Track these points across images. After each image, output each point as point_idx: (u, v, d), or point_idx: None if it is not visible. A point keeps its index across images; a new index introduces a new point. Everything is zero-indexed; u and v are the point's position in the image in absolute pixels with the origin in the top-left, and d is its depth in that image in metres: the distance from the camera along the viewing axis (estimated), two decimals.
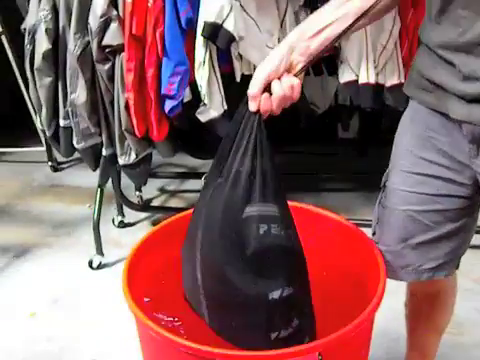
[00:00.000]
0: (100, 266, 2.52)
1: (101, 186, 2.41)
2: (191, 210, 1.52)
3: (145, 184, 2.54)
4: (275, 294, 1.18)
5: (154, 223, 2.83)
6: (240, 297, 1.19)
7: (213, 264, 1.21)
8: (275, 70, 1.15)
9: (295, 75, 1.17)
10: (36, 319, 2.24)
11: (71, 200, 3.07)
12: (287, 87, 1.15)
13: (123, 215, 2.80)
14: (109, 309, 2.25)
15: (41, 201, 3.08)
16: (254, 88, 1.15)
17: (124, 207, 2.80)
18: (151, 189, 3.05)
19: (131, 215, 2.84)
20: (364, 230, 1.47)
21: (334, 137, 3.26)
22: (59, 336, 2.15)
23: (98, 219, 2.49)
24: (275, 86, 1.15)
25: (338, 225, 1.52)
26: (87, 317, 2.24)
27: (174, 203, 3.02)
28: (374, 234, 1.43)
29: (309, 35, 1.17)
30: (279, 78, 1.16)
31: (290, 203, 1.55)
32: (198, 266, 1.24)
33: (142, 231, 2.76)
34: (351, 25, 1.16)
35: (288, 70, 1.17)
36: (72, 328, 2.19)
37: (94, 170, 2.36)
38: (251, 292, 1.18)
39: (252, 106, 1.16)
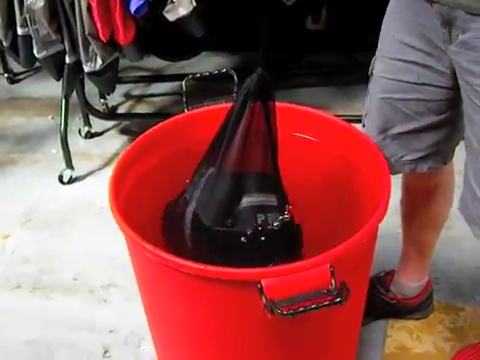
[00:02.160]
0: (71, 180, 2.40)
1: (66, 96, 2.26)
2: (168, 119, 1.44)
3: (113, 91, 2.40)
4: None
5: (122, 131, 2.71)
6: None
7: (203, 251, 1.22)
8: None
9: None
10: (10, 241, 2.15)
11: (32, 112, 2.90)
12: None
13: (90, 125, 2.66)
14: (85, 224, 2.17)
15: (1, 116, 2.90)
16: None
17: (90, 116, 2.66)
18: (116, 95, 2.88)
19: (98, 124, 2.70)
20: None
21: (302, 30, 3.11)
22: (36, 258, 2.06)
23: (65, 131, 2.35)
24: None
25: (330, 123, 1.43)
26: (63, 235, 2.16)
27: (141, 108, 2.89)
28: (364, 126, 1.39)
29: None
30: None
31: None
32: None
33: (110, 140, 2.65)
34: None
35: None
36: (49, 248, 2.10)
37: (58, 80, 2.20)
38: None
39: None
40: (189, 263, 1.06)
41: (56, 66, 2.13)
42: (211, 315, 1.16)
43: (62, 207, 2.28)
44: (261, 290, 1.02)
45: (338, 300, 1.00)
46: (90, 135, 2.67)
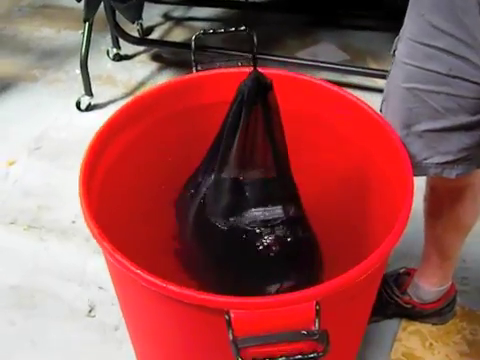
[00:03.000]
0: (89, 108, 2.24)
1: (87, 20, 2.05)
2: (168, 82, 1.24)
3: (139, 19, 2.19)
4: (273, 288, 1.09)
5: (153, 57, 2.51)
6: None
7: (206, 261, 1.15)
8: None
9: None
10: (15, 169, 2.02)
11: (63, 25, 2.71)
12: None
13: (119, 47, 2.46)
14: None
15: (30, 25, 2.72)
16: None
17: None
18: (154, 15, 2.69)
19: (128, 46, 2.49)
20: None
21: None
22: (38, 192, 1.93)
23: (86, 56, 2.16)
24: None
25: (354, 107, 1.19)
26: (70, 169, 1.98)
27: (178, 33, 2.66)
28: (381, 111, 1.19)
29: None
30: None
31: (297, 74, 1.28)
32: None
33: (139, 66, 2.46)
34: None
35: None
36: (53, 182, 1.97)
37: (79, 1, 1.99)
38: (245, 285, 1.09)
39: None
40: (152, 278, 0.88)
41: None
42: (177, 333, 1.00)
43: (75, 137, 2.11)
44: (229, 322, 0.85)
45: (312, 356, 0.82)
46: (119, 57, 2.48)
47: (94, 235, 0.96)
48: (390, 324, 1.56)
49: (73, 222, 1.83)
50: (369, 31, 2.59)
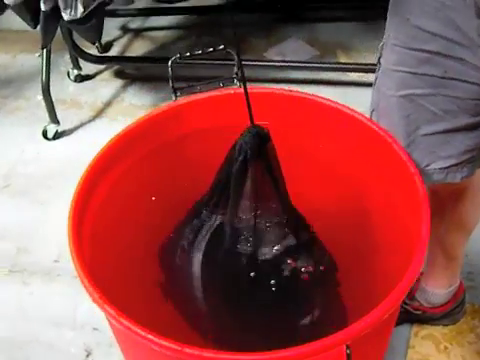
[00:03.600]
0: (57, 136, 2.13)
1: (45, 46, 1.94)
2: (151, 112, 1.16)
3: (100, 39, 2.08)
4: (306, 320, 1.07)
5: (116, 73, 2.41)
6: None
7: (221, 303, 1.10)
8: None
9: None
10: None
11: (18, 48, 2.58)
12: None
13: (79, 68, 2.36)
14: (70, 191, 1.91)
15: None
16: None
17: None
18: (111, 28, 2.58)
19: (89, 65, 2.38)
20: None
21: None
22: (15, 233, 1.83)
23: (47, 83, 2.05)
24: None
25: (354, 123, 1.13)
26: (46, 204, 1.91)
27: (138, 46, 2.55)
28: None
29: None
30: None
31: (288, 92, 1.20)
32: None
33: (103, 85, 2.36)
34: None
35: None
36: (30, 221, 1.86)
37: (34, 27, 1.88)
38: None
39: None
40: (166, 342, 0.81)
41: (30, 13, 1.80)
42: None
43: (45, 169, 2.01)
44: None
45: None
46: (81, 78, 2.37)
47: (94, 300, 0.89)
48: (401, 331, 1.50)
49: (56, 261, 1.74)
50: (336, 22, 2.51)
